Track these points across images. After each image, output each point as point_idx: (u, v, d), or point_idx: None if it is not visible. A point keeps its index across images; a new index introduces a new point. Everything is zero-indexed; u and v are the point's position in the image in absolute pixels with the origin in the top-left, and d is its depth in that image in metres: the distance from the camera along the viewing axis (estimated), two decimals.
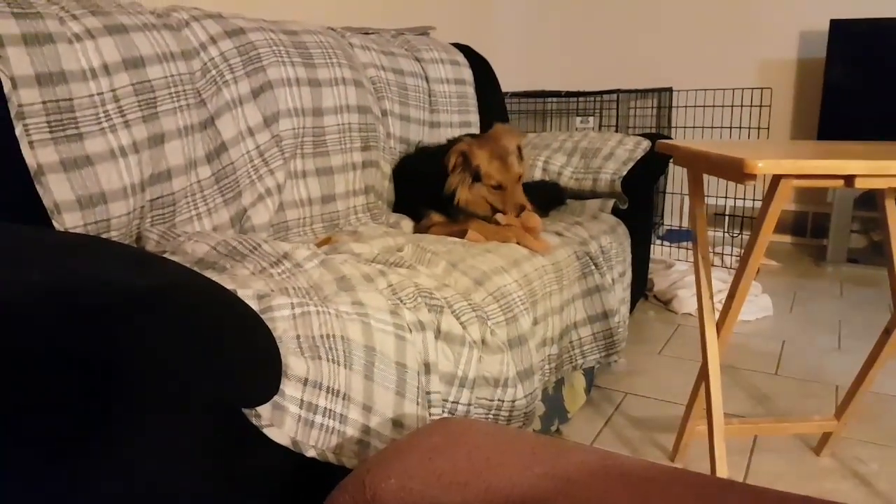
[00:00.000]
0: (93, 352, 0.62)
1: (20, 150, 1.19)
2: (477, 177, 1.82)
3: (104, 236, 1.31)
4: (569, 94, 3.58)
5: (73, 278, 0.69)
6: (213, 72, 1.60)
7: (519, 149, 1.87)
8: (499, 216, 1.82)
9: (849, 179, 1.12)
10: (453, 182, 1.83)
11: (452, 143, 1.92)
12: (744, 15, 3.76)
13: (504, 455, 0.71)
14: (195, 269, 1.02)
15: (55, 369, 0.60)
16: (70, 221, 1.25)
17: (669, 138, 1.86)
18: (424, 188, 1.96)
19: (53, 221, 1.23)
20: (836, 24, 3.32)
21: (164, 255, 1.24)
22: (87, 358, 0.61)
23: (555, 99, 3.76)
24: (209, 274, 1.17)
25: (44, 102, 1.23)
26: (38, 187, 1.21)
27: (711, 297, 1.50)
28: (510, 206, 1.82)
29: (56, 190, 1.23)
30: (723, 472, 1.40)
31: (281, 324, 1.00)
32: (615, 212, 2.20)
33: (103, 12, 1.38)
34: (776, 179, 1.20)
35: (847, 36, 3.31)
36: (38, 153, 1.22)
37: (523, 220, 1.77)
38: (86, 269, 0.73)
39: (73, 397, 0.61)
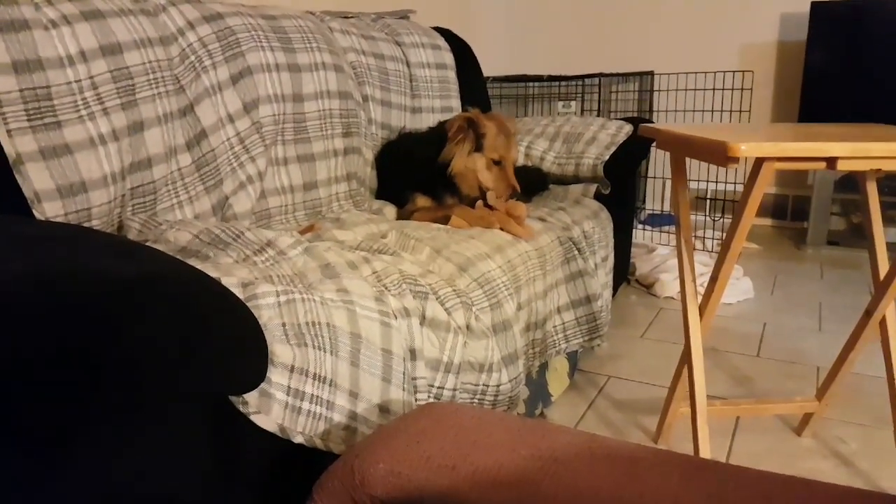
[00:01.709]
0: (82, 342, 0.61)
1: None
2: (479, 147, 1.83)
3: (85, 225, 1.30)
4: (550, 79, 3.58)
5: (59, 269, 0.68)
6: (192, 57, 1.58)
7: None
8: (490, 195, 1.83)
9: (831, 162, 1.13)
10: (451, 150, 1.84)
11: (442, 129, 1.93)
12: None
13: (491, 437, 0.71)
14: (178, 257, 1.02)
15: (43, 361, 0.60)
16: (51, 210, 1.24)
17: (651, 122, 1.87)
18: (410, 172, 1.97)
19: (34, 211, 1.21)
20: (816, 7, 3.34)
21: (147, 244, 1.23)
22: (76, 348, 0.61)
23: (536, 83, 3.76)
24: (192, 262, 1.16)
25: (21, 90, 1.21)
26: (17, 176, 1.19)
27: (694, 280, 1.51)
28: (503, 185, 1.84)
29: (35, 179, 1.22)
30: (706, 452, 1.42)
31: (266, 311, 1.00)
32: (597, 196, 2.21)
33: None
34: (759, 162, 1.20)
35: (828, 19, 3.33)
36: (16, 142, 1.20)
37: (509, 208, 1.77)
38: (70, 259, 0.72)
39: (61, 389, 0.61)
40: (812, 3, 3.34)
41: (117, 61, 1.38)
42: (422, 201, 1.90)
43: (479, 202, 1.84)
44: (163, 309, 0.68)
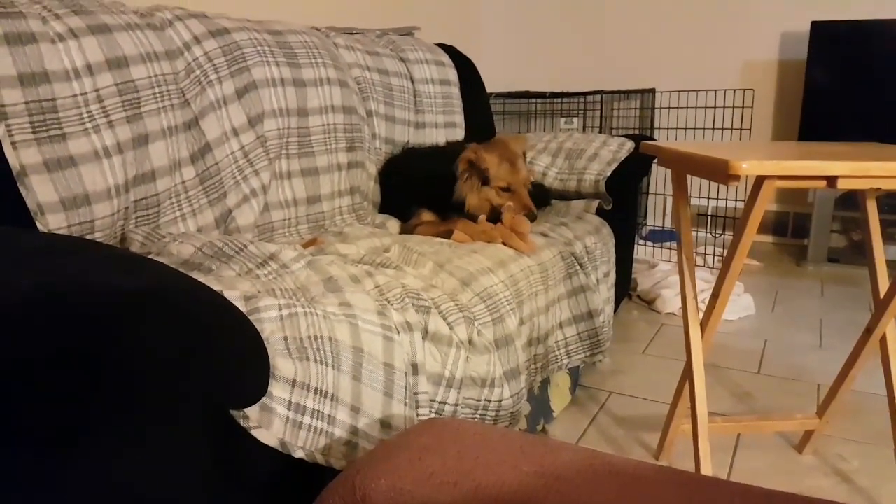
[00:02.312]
0: (83, 354, 0.61)
1: (2, 151, 1.18)
2: (485, 181, 1.85)
3: (88, 238, 1.30)
4: (553, 95, 3.60)
5: (62, 281, 0.68)
6: (198, 72, 1.59)
7: (524, 154, 1.91)
8: (507, 207, 1.84)
9: (831, 180, 1.14)
10: (463, 190, 1.85)
11: (448, 147, 1.93)
12: (726, 17, 3.79)
13: (493, 454, 0.71)
14: (181, 270, 1.02)
15: (45, 373, 0.60)
16: (54, 223, 1.24)
17: (653, 139, 1.88)
18: (413, 187, 1.98)
19: (37, 223, 1.22)
20: (817, 26, 3.35)
21: (149, 257, 1.24)
22: (77, 360, 0.61)
23: (539, 100, 3.78)
24: (195, 275, 1.17)
25: (27, 103, 1.21)
26: (21, 188, 1.20)
27: (695, 296, 1.51)
28: (519, 209, 1.85)
29: (40, 191, 1.22)
30: (707, 469, 1.42)
31: (268, 325, 1.00)
32: (599, 212, 2.21)
33: (86, 12, 1.37)
34: (760, 180, 1.21)
35: (828, 37, 3.35)
36: (21, 154, 1.20)
37: (513, 224, 1.78)
38: (73, 271, 0.72)
39: (62, 400, 0.61)
40: (812, 23, 3.36)
41: (123, 75, 1.39)
42: (426, 216, 1.91)
43: (482, 216, 1.85)
44: (164, 315, 0.68)
